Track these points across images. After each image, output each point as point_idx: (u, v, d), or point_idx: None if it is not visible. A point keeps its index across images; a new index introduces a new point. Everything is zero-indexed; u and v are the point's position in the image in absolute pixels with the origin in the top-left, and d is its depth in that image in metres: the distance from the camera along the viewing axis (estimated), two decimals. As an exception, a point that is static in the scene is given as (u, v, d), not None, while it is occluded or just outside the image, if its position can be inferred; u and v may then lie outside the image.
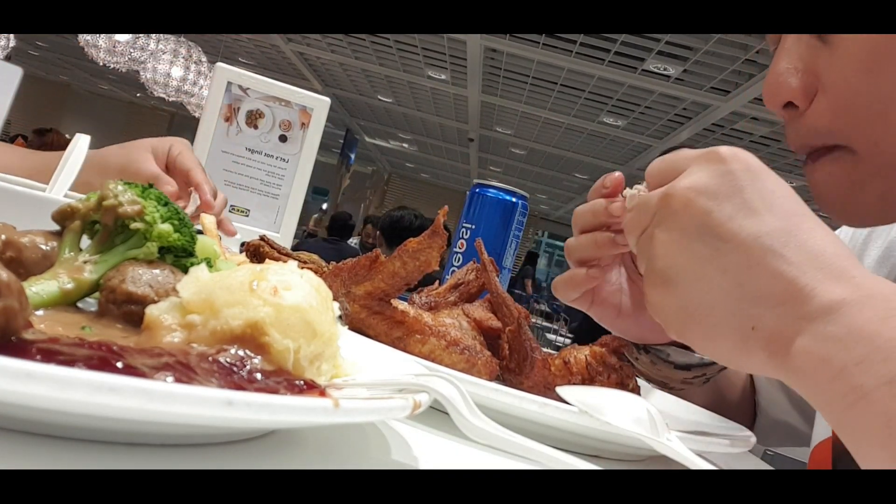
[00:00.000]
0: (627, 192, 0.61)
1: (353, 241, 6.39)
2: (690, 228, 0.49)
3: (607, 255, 0.66)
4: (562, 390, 0.56)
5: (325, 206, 12.66)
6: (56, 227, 0.46)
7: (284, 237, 1.05)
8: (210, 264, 0.48)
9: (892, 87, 0.56)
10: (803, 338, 0.44)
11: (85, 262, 0.43)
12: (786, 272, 0.45)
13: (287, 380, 0.35)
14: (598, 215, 0.64)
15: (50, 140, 4.65)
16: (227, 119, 1.04)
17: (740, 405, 0.93)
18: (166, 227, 0.45)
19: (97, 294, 0.42)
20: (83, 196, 0.46)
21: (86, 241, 0.45)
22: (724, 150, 0.51)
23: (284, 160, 1.06)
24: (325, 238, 6.00)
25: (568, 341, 6.74)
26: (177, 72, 6.81)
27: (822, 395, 0.43)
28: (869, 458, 0.40)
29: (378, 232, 4.91)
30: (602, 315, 0.69)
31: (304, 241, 6.54)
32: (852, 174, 0.61)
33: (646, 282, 0.53)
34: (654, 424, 0.50)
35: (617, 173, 0.65)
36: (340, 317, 0.44)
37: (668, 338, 0.70)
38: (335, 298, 0.45)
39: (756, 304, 0.46)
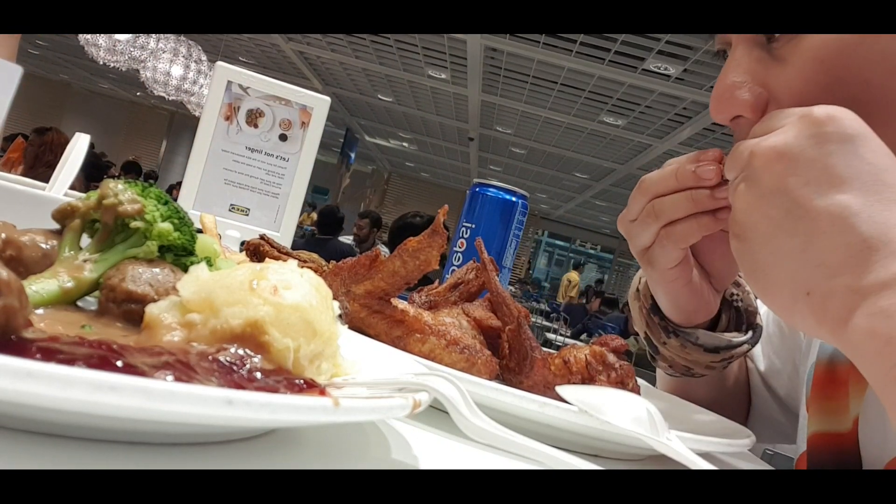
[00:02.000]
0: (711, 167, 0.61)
1: (349, 239, 6.33)
2: (767, 190, 0.50)
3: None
4: (561, 389, 0.56)
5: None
6: (56, 226, 0.46)
7: (284, 236, 1.05)
8: (210, 263, 0.48)
9: (843, 100, 0.55)
10: (854, 311, 0.45)
11: (85, 261, 0.43)
12: (850, 244, 0.46)
13: (287, 379, 0.35)
14: (685, 180, 0.62)
15: (50, 139, 4.64)
16: (228, 118, 1.04)
17: (737, 401, 0.94)
18: (166, 226, 0.45)
19: (97, 293, 0.42)
20: (83, 195, 0.46)
21: (86, 240, 0.45)
22: (823, 110, 0.50)
23: (284, 159, 1.06)
24: (315, 235, 5.86)
25: (569, 341, 6.75)
26: (177, 71, 6.82)
27: (870, 367, 0.44)
28: None
29: (379, 231, 4.87)
30: (679, 275, 0.69)
31: (295, 242, 6.47)
32: None
33: (729, 227, 0.55)
34: (654, 424, 0.50)
35: (715, 150, 0.64)
36: (340, 316, 0.44)
37: (708, 319, 0.74)
38: (335, 297, 0.45)
39: (815, 272, 0.47)
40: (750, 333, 0.76)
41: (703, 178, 0.62)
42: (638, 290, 0.78)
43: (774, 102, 0.61)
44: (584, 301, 11.43)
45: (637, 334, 0.80)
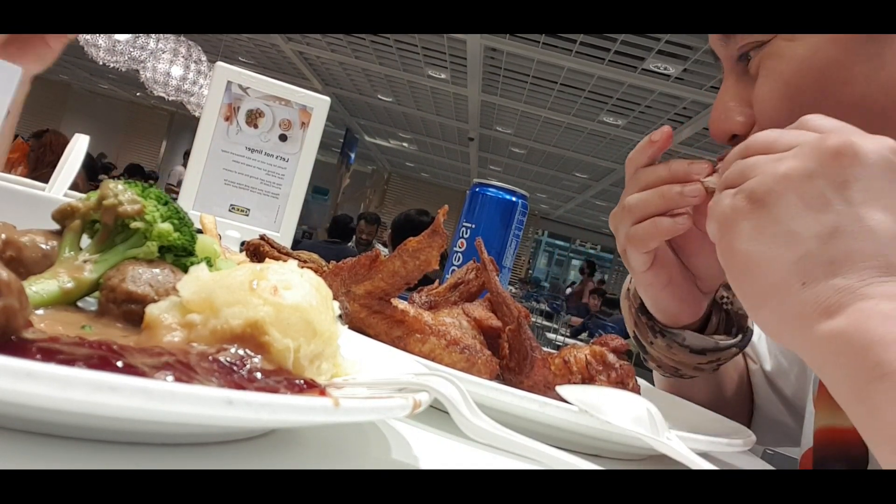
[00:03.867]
0: (708, 180, 0.61)
1: (350, 244, 6.36)
2: (784, 192, 0.49)
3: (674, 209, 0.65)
4: (562, 389, 0.56)
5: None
6: (56, 227, 0.46)
7: (284, 236, 1.05)
8: (210, 263, 0.48)
9: (807, 111, 0.56)
10: (850, 308, 0.45)
11: (85, 262, 0.43)
12: (876, 256, 0.45)
13: (287, 379, 0.35)
14: (669, 200, 0.63)
15: (48, 140, 4.64)
16: (227, 118, 1.04)
17: (738, 401, 0.93)
18: (166, 227, 0.45)
19: (97, 293, 0.42)
20: (83, 195, 0.46)
21: (86, 241, 0.45)
22: (833, 143, 0.49)
23: (284, 159, 1.06)
24: (326, 240, 5.97)
25: (569, 341, 6.75)
26: (177, 71, 6.81)
27: (843, 368, 0.44)
28: (882, 432, 0.41)
29: (389, 231, 4.91)
30: (654, 280, 0.69)
31: (303, 241, 6.51)
32: None
33: (743, 194, 0.51)
34: (654, 424, 0.50)
35: (666, 128, 0.66)
36: (340, 316, 0.44)
37: (695, 321, 0.73)
38: (335, 298, 0.45)
39: (819, 267, 0.46)
40: (739, 337, 0.76)
41: (693, 172, 0.62)
42: (629, 289, 0.78)
43: (757, 120, 0.64)
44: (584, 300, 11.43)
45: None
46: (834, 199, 0.48)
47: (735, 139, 0.66)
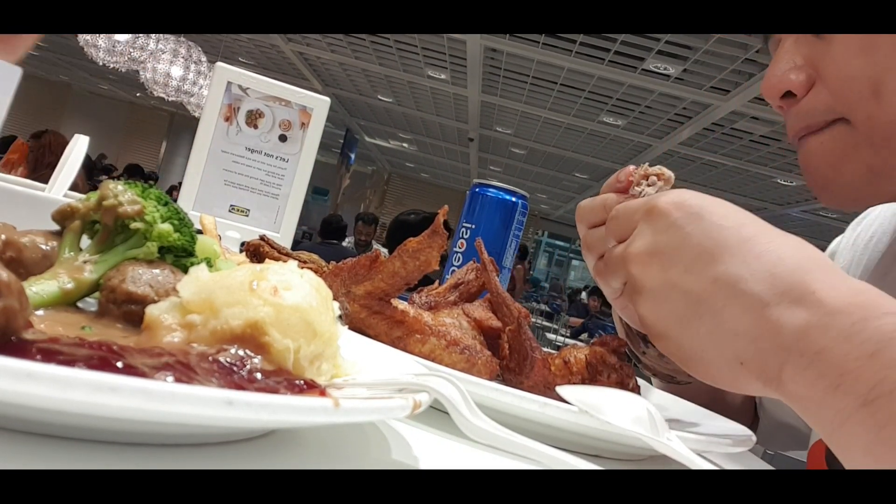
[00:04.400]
0: (637, 189, 0.63)
1: (347, 242, 6.36)
2: (656, 290, 0.53)
3: None
4: (562, 390, 0.56)
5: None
6: (56, 227, 0.46)
7: (284, 237, 1.05)
8: (210, 264, 0.48)
9: (881, 69, 0.60)
10: (786, 367, 0.45)
11: (85, 262, 0.43)
12: (751, 306, 0.47)
13: (287, 379, 0.35)
14: (610, 210, 0.64)
15: (47, 141, 4.63)
16: (227, 119, 1.03)
17: (740, 405, 0.93)
18: (166, 227, 0.45)
19: (97, 294, 0.42)
20: (83, 196, 0.46)
21: (86, 241, 0.45)
22: (663, 202, 0.53)
23: (284, 160, 1.06)
24: (323, 241, 5.98)
25: (569, 341, 6.74)
26: (176, 71, 6.81)
27: (813, 417, 0.45)
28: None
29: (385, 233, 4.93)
30: (623, 306, 0.69)
31: (301, 242, 6.51)
32: (846, 141, 0.64)
33: (648, 330, 0.56)
34: (654, 424, 0.50)
35: (630, 167, 0.66)
36: (340, 317, 0.44)
37: None
38: (335, 298, 0.45)
39: (735, 342, 0.48)
40: None
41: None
42: None
43: (821, 81, 0.64)
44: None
45: None
46: (686, 299, 0.50)
47: (786, 97, 0.67)
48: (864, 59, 0.61)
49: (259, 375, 0.35)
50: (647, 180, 0.63)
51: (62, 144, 4.26)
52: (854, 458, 0.42)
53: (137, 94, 13.74)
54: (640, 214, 0.55)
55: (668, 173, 0.64)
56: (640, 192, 0.63)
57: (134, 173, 9.47)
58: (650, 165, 0.64)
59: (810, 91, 0.65)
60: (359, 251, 6.07)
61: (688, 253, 0.50)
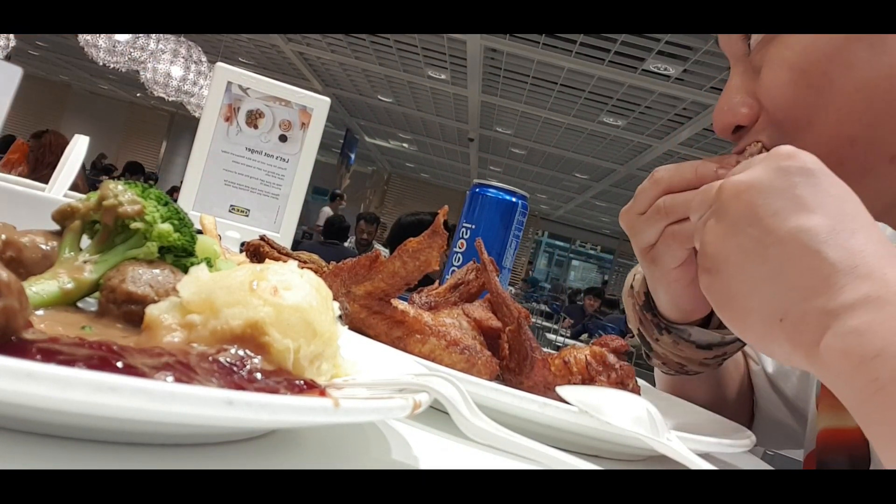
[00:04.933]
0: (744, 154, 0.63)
1: (349, 243, 6.36)
2: (738, 219, 0.52)
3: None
4: (562, 390, 0.56)
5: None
6: (56, 227, 0.46)
7: (284, 237, 1.05)
8: (210, 264, 0.48)
9: (813, 96, 0.60)
10: (826, 333, 0.45)
11: (85, 262, 0.43)
12: (819, 268, 0.47)
13: (287, 379, 0.35)
14: (704, 176, 0.63)
15: (48, 141, 4.63)
16: (227, 119, 1.03)
17: (738, 402, 0.93)
18: (166, 227, 0.45)
19: (97, 294, 0.42)
20: (83, 196, 0.46)
21: (86, 241, 0.45)
22: (787, 148, 0.53)
23: (284, 160, 1.06)
24: (324, 241, 5.98)
25: (569, 341, 6.75)
26: (177, 71, 6.81)
27: (843, 386, 0.45)
28: (886, 445, 0.42)
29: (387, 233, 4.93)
30: (681, 276, 0.69)
31: (301, 242, 6.51)
32: None
33: (698, 264, 0.56)
34: (654, 424, 0.50)
35: (701, 161, 0.66)
36: (340, 317, 0.44)
37: (702, 316, 0.74)
38: (335, 298, 0.45)
39: (787, 297, 0.48)
40: None
41: (724, 167, 0.63)
42: (632, 286, 0.78)
43: (763, 111, 0.64)
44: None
45: (632, 334, 0.80)
46: (762, 238, 0.50)
47: (738, 131, 0.66)
48: (793, 89, 0.61)
49: (259, 375, 0.35)
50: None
51: (62, 144, 4.26)
52: (882, 431, 0.42)
53: (137, 94, 13.74)
54: (762, 156, 0.55)
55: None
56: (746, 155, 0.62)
57: (135, 171, 9.45)
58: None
59: (757, 122, 0.65)
60: (360, 251, 6.07)
61: (786, 196, 0.50)
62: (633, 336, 0.83)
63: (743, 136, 0.66)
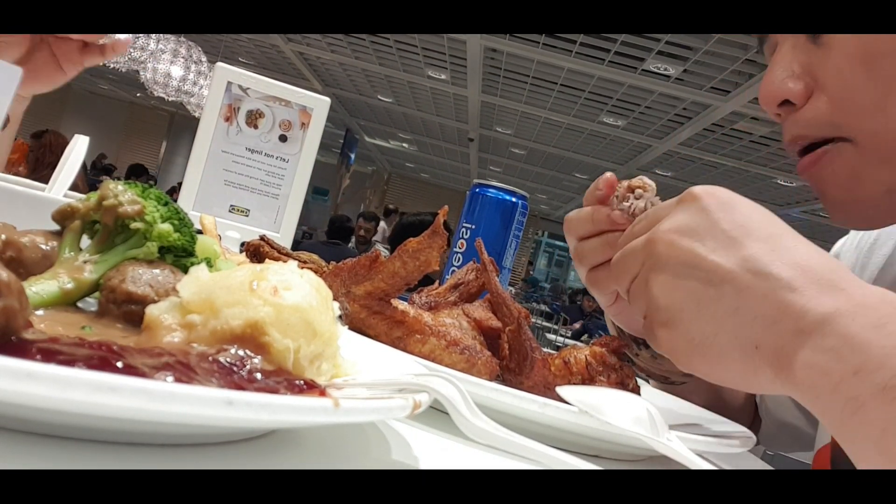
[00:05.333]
0: (625, 204, 0.63)
1: (352, 244, 6.38)
2: (679, 267, 0.52)
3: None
4: (562, 390, 0.56)
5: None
6: (56, 227, 0.46)
7: (284, 237, 1.05)
8: (210, 264, 0.48)
9: (886, 80, 0.59)
10: (803, 351, 0.45)
11: (85, 262, 0.43)
12: (776, 291, 0.47)
13: (287, 379, 0.35)
14: (599, 223, 0.65)
15: (48, 140, 4.63)
16: (227, 119, 1.03)
17: (740, 406, 0.93)
18: (166, 227, 0.45)
19: (97, 294, 0.42)
20: (83, 196, 0.46)
21: (86, 241, 0.45)
22: (697, 189, 0.54)
23: (284, 160, 1.06)
24: (326, 241, 5.98)
25: (569, 342, 6.74)
26: (177, 71, 6.81)
27: (823, 406, 0.44)
28: (868, 464, 0.41)
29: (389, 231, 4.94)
30: (620, 311, 0.69)
31: (302, 242, 6.52)
32: (853, 164, 0.63)
33: (648, 324, 0.55)
34: (654, 424, 0.50)
35: (608, 174, 0.66)
36: (340, 317, 0.44)
37: None
38: (335, 298, 0.45)
39: (754, 325, 0.48)
40: None
41: (617, 222, 0.63)
42: None
43: (821, 90, 0.63)
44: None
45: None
46: (709, 278, 0.50)
47: (784, 105, 0.65)
48: (866, 70, 0.59)
49: (259, 375, 0.35)
50: (633, 193, 0.63)
51: (62, 144, 4.26)
52: (863, 450, 0.42)
53: (137, 94, 13.74)
54: (673, 203, 0.55)
55: (650, 182, 0.64)
56: (630, 207, 0.63)
57: (139, 174, 9.41)
58: (649, 166, 0.64)
59: (809, 100, 0.63)
60: (359, 248, 6.07)
61: (719, 233, 0.51)
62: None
63: (790, 112, 0.65)
